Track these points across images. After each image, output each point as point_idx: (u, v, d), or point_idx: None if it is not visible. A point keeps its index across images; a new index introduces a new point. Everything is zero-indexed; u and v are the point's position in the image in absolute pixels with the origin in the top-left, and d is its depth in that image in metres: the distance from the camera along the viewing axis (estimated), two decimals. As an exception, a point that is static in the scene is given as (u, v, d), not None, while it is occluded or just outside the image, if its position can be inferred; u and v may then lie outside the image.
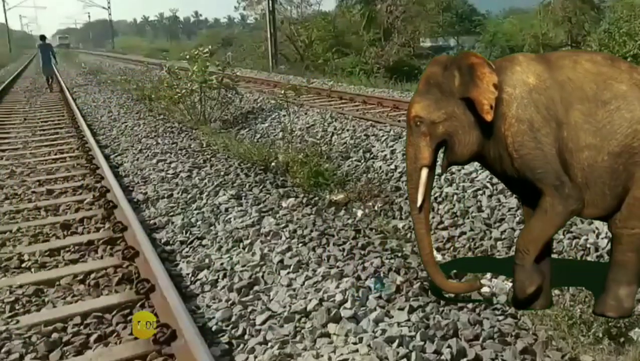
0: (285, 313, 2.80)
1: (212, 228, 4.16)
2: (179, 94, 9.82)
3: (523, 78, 2.53)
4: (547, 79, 2.52)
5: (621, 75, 2.50)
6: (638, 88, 2.48)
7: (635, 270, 2.57)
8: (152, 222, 4.43)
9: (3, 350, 2.66)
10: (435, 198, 4.73)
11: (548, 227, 2.61)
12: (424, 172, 2.67)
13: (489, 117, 2.49)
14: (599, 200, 2.53)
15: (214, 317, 2.86)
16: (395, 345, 2.45)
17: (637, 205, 2.48)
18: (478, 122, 2.56)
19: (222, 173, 5.70)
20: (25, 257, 3.81)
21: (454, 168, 5.07)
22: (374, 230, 3.96)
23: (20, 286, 3.35)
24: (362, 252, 3.52)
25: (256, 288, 3.14)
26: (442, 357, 2.38)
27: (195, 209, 4.60)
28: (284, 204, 4.56)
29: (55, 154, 7.31)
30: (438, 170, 2.90)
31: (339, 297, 2.89)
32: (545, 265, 2.76)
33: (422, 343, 2.46)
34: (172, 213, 4.57)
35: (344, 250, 3.54)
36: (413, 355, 2.37)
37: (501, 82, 2.52)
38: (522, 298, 2.70)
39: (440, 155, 2.78)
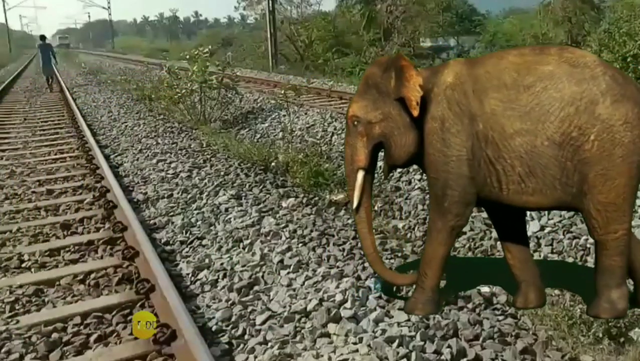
0: (285, 313, 2.80)
1: (212, 228, 4.16)
2: (179, 94, 9.82)
3: (445, 78, 2.57)
4: (464, 75, 2.53)
5: (548, 58, 2.42)
6: (567, 64, 2.37)
7: (622, 272, 2.54)
8: (152, 222, 4.43)
9: (3, 350, 2.66)
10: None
11: (436, 246, 2.63)
12: (360, 175, 2.69)
13: (415, 113, 2.51)
14: (549, 191, 2.43)
15: (214, 317, 2.86)
16: (395, 345, 2.45)
17: (610, 209, 2.39)
18: (413, 124, 2.59)
19: (222, 173, 5.70)
20: (25, 257, 3.81)
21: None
22: (374, 230, 3.95)
23: (20, 286, 3.35)
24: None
25: (256, 288, 3.14)
26: (442, 357, 2.38)
27: (195, 209, 4.60)
28: (284, 204, 4.56)
29: (55, 154, 7.31)
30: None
31: (339, 297, 2.89)
32: (529, 265, 2.78)
33: (422, 343, 2.46)
34: (172, 213, 4.57)
35: (344, 250, 3.54)
36: (413, 355, 2.37)
37: (433, 84, 2.57)
38: (407, 313, 2.71)
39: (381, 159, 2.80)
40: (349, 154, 2.74)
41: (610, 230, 2.43)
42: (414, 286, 2.76)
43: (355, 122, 2.67)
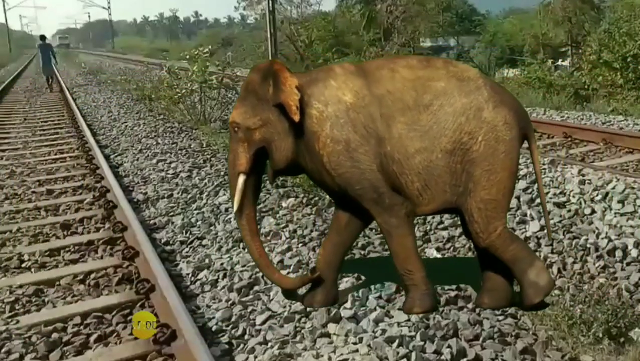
0: (285, 313, 2.80)
1: (212, 228, 4.16)
2: (179, 94, 9.81)
3: (338, 95, 2.54)
4: (366, 95, 2.53)
5: (437, 73, 2.56)
6: (455, 79, 2.53)
7: (526, 253, 2.63)
8: (152, 222, 4.43)
9: (3, 350, 2.66)
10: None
11: (403, 241, 2.65)
12: (241, 179, 2.66)
13: (296, 118, 2.50)
14: (439, 196, 2.56)
15: (214, 317, 2.86)
16: (395, 345, 2.44)
17: (490, 207, 2.52)
18: (292, 129, 2.58)
19: (222, 173, 5.70)
20: (25, 257, 3.82)
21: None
22: (373, 230, 3.95)
23: (20, 286, 3.35)
24: (362, 252, 3.52)
25: (256, 288, 3.14)
26: (442, 357, 2.38)
27: (195, 209, 4.60)
28: (284, 204, 4.56)
29: (55, 154, 7.32)
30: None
31: (339, 297, 2.88)
32: (333, 267, 2.81)
33: (422, 343, 2.46)
34: (172, 213, 4.57)
35: (344, 250, 3.53)
36: (413, 355, 2.36)
37: (311, 95, 2.54)
38: (407, 313, 2.71)
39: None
40: (231, 158, 2.71)
41: (490, 229, 2.54)
42: (410, 287, 2.71)
43: (236, 128, 2.65)
